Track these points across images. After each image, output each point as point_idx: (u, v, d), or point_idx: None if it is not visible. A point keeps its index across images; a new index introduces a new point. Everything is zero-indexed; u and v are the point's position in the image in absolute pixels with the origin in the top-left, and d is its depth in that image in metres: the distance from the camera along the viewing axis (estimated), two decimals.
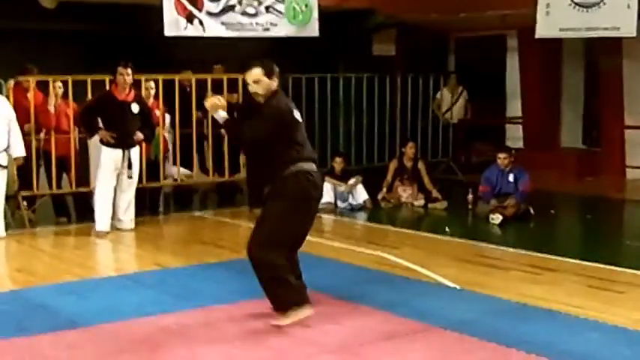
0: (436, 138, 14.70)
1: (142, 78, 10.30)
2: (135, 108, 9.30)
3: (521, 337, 5.37)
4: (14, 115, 9.18)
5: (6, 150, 9.06)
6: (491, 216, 9.83)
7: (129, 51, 10.35)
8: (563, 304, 6.25)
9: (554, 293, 6.62)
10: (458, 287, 6.79)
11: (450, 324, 5.66)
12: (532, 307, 6.19)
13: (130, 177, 9.38)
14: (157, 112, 10.57)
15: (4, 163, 9.07)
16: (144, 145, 9.85)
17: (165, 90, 10.82)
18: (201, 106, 11.35)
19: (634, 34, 11.48)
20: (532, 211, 10.08)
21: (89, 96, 10.04)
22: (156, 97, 10.68)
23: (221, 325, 5.75)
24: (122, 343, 5.37)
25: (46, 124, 9.90)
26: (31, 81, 9.96)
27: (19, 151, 9.19)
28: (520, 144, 14.96)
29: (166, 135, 10.97)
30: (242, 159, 11.52)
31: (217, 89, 11.47)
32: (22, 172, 9.73)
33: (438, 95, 14.65)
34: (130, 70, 9.23)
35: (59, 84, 9.93)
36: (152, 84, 10.56)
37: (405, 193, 11.22)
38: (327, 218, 10.44)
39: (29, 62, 10.21)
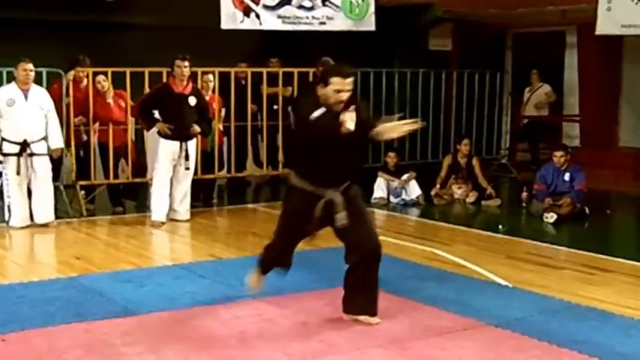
0: (491, 135, 14.60)
1: (199, 70, 10.41)
2: (192, 101, 9.41)
3: (572, 337, 5.33)
4: (53, 106, 9.34)
5: (45, 139, 9.21)
6: (546, 214, 9.75)
7: (187, 43, 10.47)
8: (617, 305, 6.19)
9: (607, 294, 6.55)
10: (510, 285, 6.75)
11: (501, 322, 5.65)
12: (584, 307, 6.14)
13: (187, 168, 9.51)
14: (214, 106, 10.68)
15: (45, 152, 9.23)
16: (200, 137, 9.94)
17: (221, 83, 10.92)
18: (255, 99, 11.51)
19: None
20: (587, 210, 9.97)
21: (147, 88, 10.20)
22: (213, 90, 10.78)
23: (273, 316, 5.81)
24: (175, 331, 5.45)
25: (103, 115, 10.07)
26: (86, 72, 10.13)
27: (56, 142, 9.35)
28: (577, 142, 14.79)
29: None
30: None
31: (273, 83, 11.60)
32: (78, 162, 9.93)
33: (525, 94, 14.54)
34: (187, 63, 9.33)
35: (102, 77, 10.04)
36: (210, 77, 10.66)
37: (459, 190, 11.19)
38: (380, 213, 10.45)
39: (80, 53, 10.37)
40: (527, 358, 5.01)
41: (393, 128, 5.13)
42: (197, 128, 9.49)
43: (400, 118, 5.21)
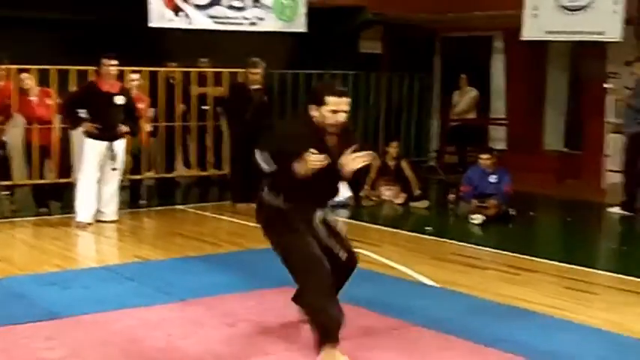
0: (419, 137, 14.76)
1: (127, 69, 10.30)
2: (119, 100, 9.28)
3: (496, 336, 5.42)
4: None
5: None
6: (472, 216, 9.89)
7: (114, 41, 10.35)
8: (540, 305, 6.32)
9: (530, 293, 6.69)
10: (436, 285, 6.84)
11: (427, 322, 5.71)
12: (509, 307, 6.26)
13: (114, 169, 9.38)
14: (141, 105, 10.57)
15: None
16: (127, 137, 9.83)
17: (150, 82, 10.82)
18: (185, 99, 11.44)
19: (619, 39, 11.58)
20: (513, 212, 10.13)
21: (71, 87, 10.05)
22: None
23: (200, 318, 5.77)
24: (101, 334, 5.38)
25: (27, 114, 9.89)
26: (4, 70, 9.94)
27: None
28: (503, 145, 15.04)
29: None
30: (226, 153, 11.56)
31: (202, 83, 11.55)
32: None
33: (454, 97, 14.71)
34: (114, 62, 9.22)
35: (26, 75, 9.84)
36: (135, 75, 10.54)
37: (388, 191, 11.27)
38: None
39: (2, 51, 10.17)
40: (452, 357, 5.09)
41: (353, 160, 4.76)
42: (125, 128, 9.37)
43: (355, 150, 4.91)
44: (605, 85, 11.47)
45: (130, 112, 9.48)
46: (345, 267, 5.10)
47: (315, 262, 4.79)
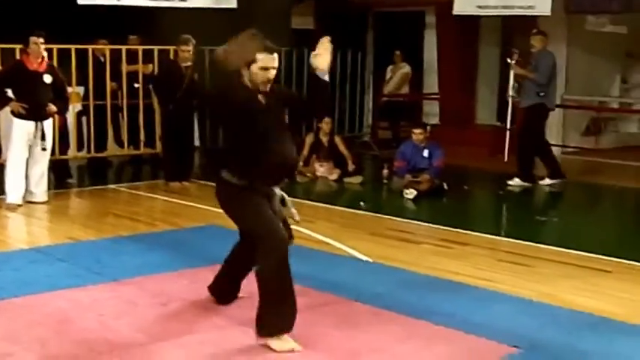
0: (353, 113, 14.79)
1: (54, 47, 10.10)
2: (47, 79, 9.09)
3: (429, 309, 5.48)
4: None
5: None
6: (406, 191, 9.95)
7: (42, 18, 10.14)
8: (473, 277, 6.39)
9: (464, 267, 6.76)
10: (370, 260, 6.87)
11: (361, 296, 5.74)
12: (442, 280, 6.32)
13: (43, 149, 9.20)
14: None
15: None
16: (56, 116, 9.65)
17: (79, 60, 10.63)
18: (115, 77, 11.27)
19: (549, 13, 11.73)
20: (446, 186, 10.22)
21: None
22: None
23: (133, 298, 5.72)
24: (33, 316, 5.29)
25: None
26: None
27: None
28: (436, 120, 15.17)
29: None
30: (158, 132, 11.44)
31: (132, 60, 11.39)
32: None
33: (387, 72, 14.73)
34: (42, 40, 9.01)
35: None
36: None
37: (321, 167, 11.27)
38: None
39: None
40: (387, 330, 5.12)
41: (323, 51, 4.78)
42: (53, 107, 9.18)
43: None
44: (508, 61, 11.58)
45: (58, 91, 9.29)
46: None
47: (278, 235, 4.73)
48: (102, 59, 11.10)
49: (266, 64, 4.69)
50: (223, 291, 5.54)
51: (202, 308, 5.48)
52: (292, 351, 4.67)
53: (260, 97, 4.79)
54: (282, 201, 4.98)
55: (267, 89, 4.78)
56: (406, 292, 5.95)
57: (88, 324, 5.15)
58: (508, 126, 12.22)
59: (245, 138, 4.77)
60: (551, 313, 5.56)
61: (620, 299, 5.96)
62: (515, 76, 11.30)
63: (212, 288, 5.57)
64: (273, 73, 4.74)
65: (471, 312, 5.49)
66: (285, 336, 4.73)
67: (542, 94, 10.71)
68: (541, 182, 11.04)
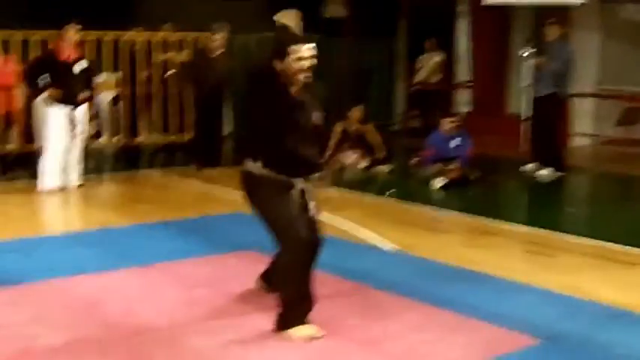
0: (385, 102, 14.80)
1: (90, 34, 10.25)
2: (79, 66, 9.24)
3: (450, 299, 5.52)
4: None
5: None
6: (434, 180, 9.98)
7: (76, 7, 10.27)
8: (497, 268, 6.40)
9: (489, 257, 6.79)
10: (395, 248, 6.92)
11: (385, 285, 5.80)
12: (466, 270, 6.35)
13: (77, 135, 9.35)
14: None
15: None
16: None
17: (114, 48, 10.78)
18: (148, 65, 11.40)
19: (580, 2, 11.64)
20: (475, 175, 10.21)
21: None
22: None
23: (159, 284, 5.84)
24: (61, 299, 5.43)
25: None
26: None
27: None
28: (467, 109, 15.14)
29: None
30: (190, 119, 11.55)
31: (165, 48, 11.51)
32: None
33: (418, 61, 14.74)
34: (77, 28, 9.15)
35: None
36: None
37: (352, 156, 11.30)
38: None
39: None
40: (409, 318, 5.18)
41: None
42: (86, 94, 9.33)
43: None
44: (520, 53, 11.49)
45: (89, 80, 9.43)
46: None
47: (299, 233, 4.73)
48: (135, 47, 11.22)
49: (301, 54, 4.66)
50: (270, 279, 5.50)
51: (227, 294, 5.57)
52: (312, 338, 4.73)
53: (295, 90, 4.76)
54: (303, 193, 4.94)
55: (303, 81, 4.72)
56: (428, 281, 6.00)
57: (114, 308, 5.26)
58: (523, 115, 12.11)
59: (274, 128, 4.77)
60: (573, 304, 5.58)
61: None
62: (535, 66, 11.18)
63: (263, 275, 5.56)
64: (309, 62, 4.69)
65: (493, 302, 5.52)
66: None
67: (558, 83, 10.68)
68: (523, 168, 11.06)
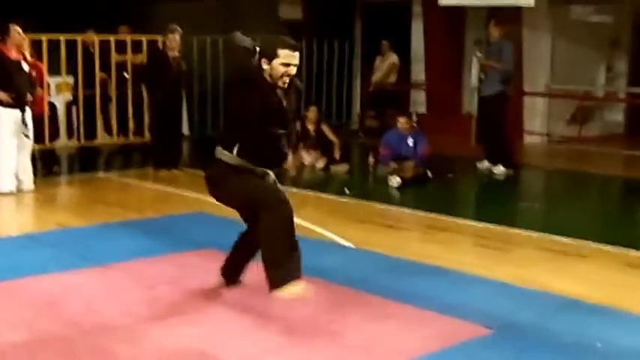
0: (342, 103, 14.92)
1: (44, 38, 10.22)
2: (25, 67, 9.22)
3: (408, 292, 5.63)
4: None
5: None
6: (390, 178, 10.10)
7: (31, 8, 10.25)
8: (453, 262, 6.54)
9: (445, 252, 6.92)
10: (354, 246, 7.02)
11: (344, 280, 5.89)
12: (423, 265, 6.46)
13: (27, 136, 9.31)
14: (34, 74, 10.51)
15: None
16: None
17: (68, 50, 10.75)
18: (104, 67, 11.39)
19: (532, 4, 11.86)
20: (430, 174, 10.37)
21: None
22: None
23: (120, 282, 5.86)
24: (20, 299, 5.44)
25: None
26: None
27: None
28: (424, 109, 15.32)
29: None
30: (147, 121, 11.55)
31: (121, 50, 11.50)
32: None
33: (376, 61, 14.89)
34: (18, 30, 9.09)
35: None
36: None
37: (308, 156, 11.40)
38: None
39: None
40: (362, 311, 5.28)
41: None
42: (31, 96, 9.27)
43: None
44: (477, 54, 11.68)
45: (32, 80, 9.40)
46: None
47: (282, 196, 4.97)
48: (91, 49, 11.20)
49: (288, 60, 4.87)
50: (229, 274, 5.62)
51: (188, 291, 5.63)
52: (301, 296, 4.91)
53: (278, 91, 4.99)
54: (275, 182, 5.18)
55: (286, 85, 4.97)
56: (386, 276, 6.10)
57: (74, 307, 5.29)
58: (475, 113, 12.29)
59: (255, 124, 4.98)
60: (526, 295, 5.72)
61: (594, 282, 6.12)
62: (481, 66, 11.38)
63: (222, 270, 5.65)
64: (293, 69, 4.93)
65: (448, 295, 5.64)
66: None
67: (504, 82, 10.89)
68: (480, 165, 11.29)
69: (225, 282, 5.61)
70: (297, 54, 4.94)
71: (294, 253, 4.97)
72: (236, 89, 5.07)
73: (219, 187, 5.16)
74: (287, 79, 4.95)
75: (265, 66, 4.91)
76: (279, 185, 5.21)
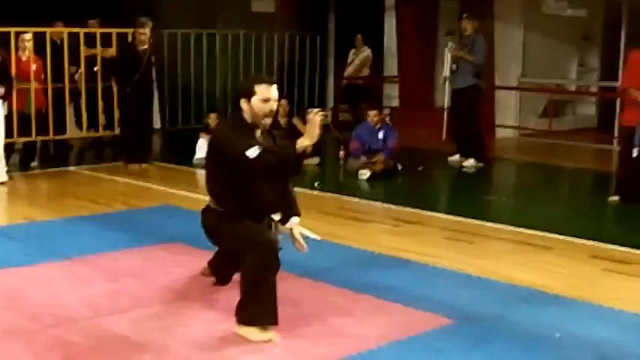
0: (315, 96, 14.95)
1: (12, 30, 10.17)
2: None
3: (371, 284, 5.67)
4: None
5: None
6: (360, 171, 10.15)
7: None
8: (418, 254, 6.58)
9: (411, 244, 6.96)
10: (319, 238, 7.03)
11: (307, 272, 5.91)
12: (388, 257, 6.51)
13: None
14: (34, 67, 10.51)
15: None
16: (15, 99, 9.76)
17: (37, 43, 10.69)
18: (74, 62, 11.33)
19: None
20: (400, 167, 10.41)
21: None
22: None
23: (85, 275, 5.86)
24: None
25: None
26: None
27: None
28: (397, 102, 15.37)
29: None
30: (116, 115, 11.51)
31: (91, 43, 11.44)
32: None
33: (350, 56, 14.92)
34: None
35: None
36: (27, 36, 10.42)
37: None
38: (202, 173, 10.54)
39: None
40: (324, 302, 5.33)
41: (313, 128, 4.68)
42: (1, 89, 9.25)
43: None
44: (449, 44, 11.73)
45: (2, 74, 9.35)
46: None
47: (267, 236, 4.86)
48: (59, 42, 11.14)
49: (266, 95, 4.77)
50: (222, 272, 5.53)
51: (153, 284, 5.64)
52: (270, 341, 4.66)
53: (260, 136, 4.87)
54: (271, 227, 5.09)
55: (269, 123, 4.85)
56: (350, 267, 6.15)
57: (37, 299, 5.29)
58: (445, 106, 12.35)
59: (235, 181, 4.85)
60: (488, 286, 5.78)
61: (557, 273, 6.18)
62: (453, 57, 11.44)
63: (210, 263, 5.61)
64: (273, 105, 4.83)
65: (412, 286, 5.69)
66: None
67: (477, 75, 10.96)
68: (451, 158, 11.39)
69: (209, 273, 5.60)
70: (274, 87, 4.83)
71: (272, 296, 4.75)
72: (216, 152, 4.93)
73: (213, 233, 5.06)
74: (269, 120, 4.83)
75: (245, 105, 4.81)
76: (274, 227, 5.13)
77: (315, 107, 13.50)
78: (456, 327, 4.92)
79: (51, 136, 11.23)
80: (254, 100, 4.77)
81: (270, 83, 4.84)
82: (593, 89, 15.98)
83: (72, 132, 11.90)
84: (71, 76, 11.34)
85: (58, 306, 5.18)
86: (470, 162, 11.07)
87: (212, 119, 11.47)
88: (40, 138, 11.06)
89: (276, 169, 4.84)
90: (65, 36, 11.13)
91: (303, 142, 4.70)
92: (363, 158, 10.39)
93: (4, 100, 9.51)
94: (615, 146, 10.95)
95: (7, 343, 4.56)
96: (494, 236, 7.42)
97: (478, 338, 4.74)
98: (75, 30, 11.29)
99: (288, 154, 4.80)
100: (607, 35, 15.22)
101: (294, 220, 5.29)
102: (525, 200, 9.47)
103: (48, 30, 10.94)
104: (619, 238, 7.18)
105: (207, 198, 5.12)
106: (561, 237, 7.24)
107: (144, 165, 10.67)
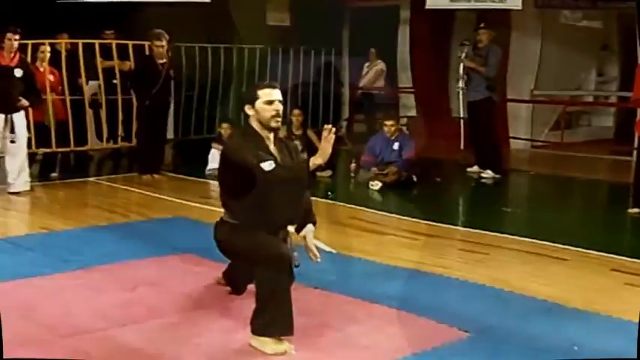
0: (329, 109, 14.98)
1: (29, 42, 10.25)
2: (18, 72, 9.25)
3: (384, 294, 5.65)
4: None
5: None
6: (371, 183, 10.13)
7: (17, 13, 10.25)
8: (433, 266, 6.56)
9: (424, 256, 6.91)
10: (333, 251, 7.02)
11: (320, 283, 5.89)
12: (402, 269, 6.48)
13: (12, 141, 9.33)
14: (51, 78, 10.58)
15: None
16: (31, 110, 9.82)
17: (53, 55, 10.77)
18: (94, 74, 11.39)
19: (520, 7, 11.88)
20: (415, 178, 10.37)
21: None
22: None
23: (99, 285, 5.86)
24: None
25: None
26: None
27: None
28: (413, 112, 15.32)
29: None
30: (135, 127, 11.56)
31: (107, 56, 11.50)
32: None
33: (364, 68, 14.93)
34: (17, 36, 9.19)
35: None
36: (47, 47, 10.51)
37: None
38: (214, 184, 10.55)
39: None
40: (337, 312, 5.34)
41: (326, 146, 4.82)
42: (25, 102, 9.34)
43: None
44: (459, 55, 11.72)
45: (29, 85, 9.43)
46: None
47: (281, 249, 4.78)
48: (65, 53, 11.23)
49: (269, 97, 4.84)
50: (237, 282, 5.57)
51: (166, 295, 5.64)
52: (284, 353, 4.65)
53: (272, 148, 4.88)
54: (286, 240, 5.06)
55: (279, 126, 4.90)
56: (363, 279, 6.14)
57: (51, 310, 5.29)
58: (461, 115, 12.32)
59: (249, 193, 4.80)
60: (502, 298, 5.74)
61: (573, 286, 6.12)
62: (465, 68, 11.42)
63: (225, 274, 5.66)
64: (279, 106, 4.86)
65: (425, 297, 5.67)
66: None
67: (490, 88, 10.93)
68: (470, 170, 11.35)
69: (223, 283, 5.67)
70: (277, 91, 4.89)
71: (288, 306, 4.73)
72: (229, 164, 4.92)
73: (226, 248, 5.07)
74: (278, 121, 4.85)
75: (251, 112, 4.88)
76: (289, 242, 5.10)
77: (330, 119, 13.64)
78: (472, 340, 4.89)
79: (71, 147, 11.28)
80: (258, 103, 4.85)
81: (273, 87, 4.92)
82: (613, 99, 15.84)
83: (92, 143, 11.94)
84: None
85: (73, 316, 5.18)
86: (488, 173, 11.04)
87: (224, 129, 11.48)
88: (60, 149, 11.11)
89: (289, 185, 4.85)
90: (80, 48, 11.19)
91: (316, 161, 4.83)
92: (375, 170, 10.34)
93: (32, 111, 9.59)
94: (634, 157, 10.88)
95: (22, 353, 4.56)
96: (508, 247, 7.37)
97: (495, 352, 4.71)
98: (89, 41, 11.33)
99: (301, 171, 4.90)
100: (626, 44, 15.14)
101: (309, 227, 5.24)
102: (541, 212, 9.39)
103: (63, 41, 11.01)
104: None
105: (221, 210, 5.11)
106: (577, 249, 7.19)
107: (156, 176, 10.73)
